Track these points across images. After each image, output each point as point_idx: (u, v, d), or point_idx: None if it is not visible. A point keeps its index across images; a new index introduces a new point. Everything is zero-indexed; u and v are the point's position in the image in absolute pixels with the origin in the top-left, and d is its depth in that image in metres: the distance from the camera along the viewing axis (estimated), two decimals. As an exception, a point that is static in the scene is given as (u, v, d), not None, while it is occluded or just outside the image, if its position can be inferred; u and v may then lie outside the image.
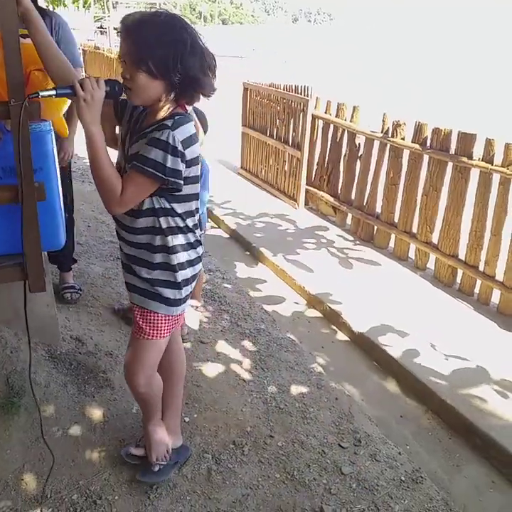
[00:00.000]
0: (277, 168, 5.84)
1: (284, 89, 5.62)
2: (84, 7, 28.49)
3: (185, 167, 1.57)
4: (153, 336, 1.79)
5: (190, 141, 1.57)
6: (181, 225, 1.68)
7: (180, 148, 1.52)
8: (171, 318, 1.80)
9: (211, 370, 2.74)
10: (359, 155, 4.66)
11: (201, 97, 1.62)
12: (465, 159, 3.61)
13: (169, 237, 1.67)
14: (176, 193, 1.61)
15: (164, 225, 1.65)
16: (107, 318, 3.05)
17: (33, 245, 2.07)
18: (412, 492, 2.12)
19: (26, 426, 2.18)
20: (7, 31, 1.80)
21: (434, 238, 3.97)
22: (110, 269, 3.67)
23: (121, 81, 1.59)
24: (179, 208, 1.66)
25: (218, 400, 2.51)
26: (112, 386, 2.45)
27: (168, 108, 1.60)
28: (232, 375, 2.72)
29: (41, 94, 1.55)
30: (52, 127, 2.27)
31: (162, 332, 1.80)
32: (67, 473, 2.03)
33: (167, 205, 1.64)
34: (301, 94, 5.32)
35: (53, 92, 1.56)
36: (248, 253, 4.50)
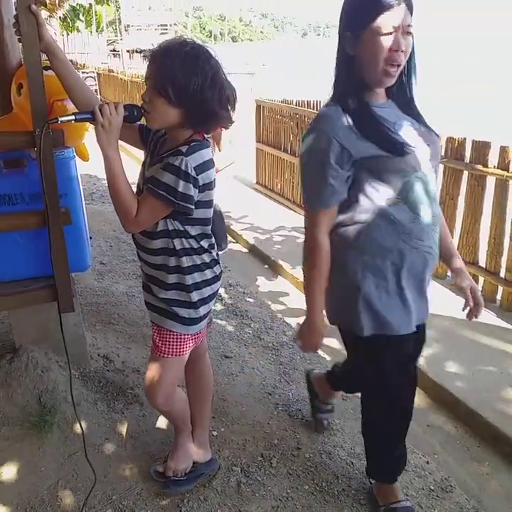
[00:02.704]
0: (293, 182, 5.91)
1: (296, 105, 5.70)
2: (97, 31, 29.18)
3: (198, 192, 1.61)
4: (169, 354, 1.81)
5: (204, 167, 1.60)
6: (195, 246, 1.72)
7: (193, 174, 1.56)
8: (187, 336, 1.81)
9: (236, 384, 2.78)
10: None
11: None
12: (480, 167, 3.62)
13: (183, 258, 1.70)
14: (189, 216, 1.65)
15: (178, 247, 1.69)
16: (132, 335, 3.11)
17: (61, 267, 2.15)
18: (442, 501, 2.12)
19: (59, 443, 2.23)
20: (30, 64, 1.90)
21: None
22: (133, 287, 3.74)
23: (141, 103, 1.65)
24: (193, 230, 1.69)
25: (245, 414, 2.54)
26: (141, 402, 2.50)
27: (186, 134, 1.63)
28: (257, 388, 2.75)
29: (61, 119, 1.60)
30: (75, 154, 2.36)
31: (179, 350, 1.82)
32: (101, 488, 2.08)
33: (180, 228, 1.67)
34: (313, 109, 5.39)
35: (72, 117, 1.61)
36: (267, 267, 4.55)
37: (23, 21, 1.77)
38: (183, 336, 1.80)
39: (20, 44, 1.90)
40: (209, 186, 1.66)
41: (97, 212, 5.44)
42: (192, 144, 1.60)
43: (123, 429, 2.35)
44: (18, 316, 2.48)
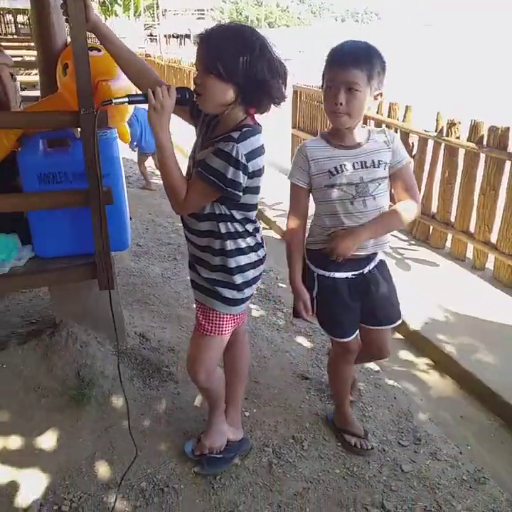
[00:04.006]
0: (328, 169, 5.85)
1: (334, 90, 5.63)
2: (134, 16, 29.34)
3: (248, 178, 1.61)
4: (212, 333, 1.85)
5: (255, 154, 1.60)
6: (240, 230, 1.73)
7: (243, 160, 1.55)
8: (229, 316, 1.85)
9: (269, 367, 2.80)
10: (413, 154, 4.62)
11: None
12: (525, 156, 3.52)
13: (228, 242, 1.72)
14: (229, 201, 1.66)
15: (223, 230, 1.71)
16: (167, 315, 3.16)
17: (102, 246, 2.20)
18: (475, 492, 2.10)
19: (96, 416, 2.30)
20: (77, 45, 1.93)
21: (493, 238, 3.89)
22: (168, 269, 3.79)
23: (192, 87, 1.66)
24: (238, 215, 1.71)
25: (277, 396, 2.56)
26: (176, 380, 2.55)
27: (238, 118, 1.63)
28: (289, 372, 2.77)
29: (114, 101, 1.62)
30: (117, 134, 2.40)
31: (221, 329, 1.85)
32: (136, 462, 2.12)
33: (227, 212, 1.69)
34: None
35: (126, 100, 1.63)
36: (300, 254, 4.54)
37: (71, 3, 1.80)
38: (225, 316, 1.84)
39: (67, 25, 1.93)
40: (258, 173, 1.65)
41: (134, 195, 5.51)
42: (244, 129, 1.59)
43: (158, 405, 2.40)
44: (58, 293, 2.55)
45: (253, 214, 1.77)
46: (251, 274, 1.82)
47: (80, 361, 2.42)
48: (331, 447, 2.28)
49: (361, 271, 2.01)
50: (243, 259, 1.77)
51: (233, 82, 1.55)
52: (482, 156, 3.90)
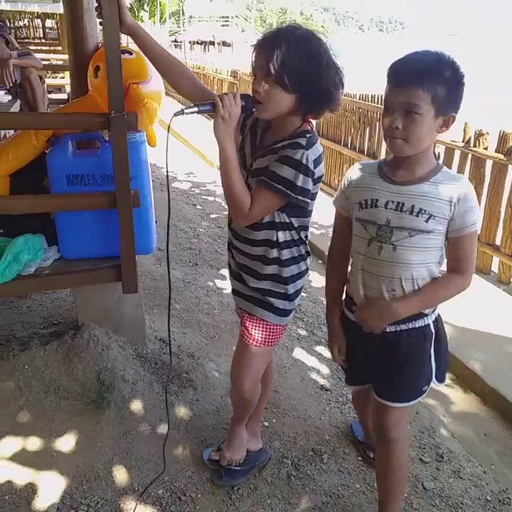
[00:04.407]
0: (351, 178, 5.81)
1: (359, 99, 5.60)
2: (160, 22, 29.68)
3: (312, 185, 1.57)
4: (262, 343, 1.80)
5: (320, 160, 1.57)
6: (296, 237, 1.69)
7: (311, 167, 1.52)
8: (280, 327, 1.81)
9: (289, 377, 2.76)
10: (438, 165, 4.55)
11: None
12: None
13: (285, 251, 1.68)
14: (295, 209, 1.61)
15: (281, 239, 1.66)
16: (187, 321, 3.15)
17: (128, 249, 2.20)
18: (499, 513, 2.04)
19: (115, 420, 2.29)
20: (110, 47, 1.93)
21: (521, 251, 3.82)
22: (189, 274, 3.78)
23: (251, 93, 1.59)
24: (297, 222, 1.66)
25: (297, 407, 2.52)
26: (195, 387, 2.52)
27: (296, 124, 1.59)
28: (309, 383, 2.73)
29: (186, 111, 1.54)
30: (145, 138, 2.40)
31: (271, 340, 1.81)
32: (153, 468, 2.11)
33: (287, 220, 1.64)
34: (377, 104, 5.28)
35: (196, 109, 1.54)
36: (321, 262, 4.50)
37: (105, 5, 1.80)
38: (276, 327, 1.79)
39: (100, 27, 1.94)
40: (320, 179, 1.62)
41: (156, 198, 5.52)
42: (308, 135, 1.55)
43: (177, 411, 2.38)
44: (82, 295, 2.55)
45: (309, 220, 1.72)
46: (300, 283, 1.78)
47: (101, 364, 2.42)
48: (352, 461, 2.23)
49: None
50: (295, 269, 1.73)
51: (298, 93, 1.50)
52: (510, 167, 3.84)
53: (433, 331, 1.66)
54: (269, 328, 1.79)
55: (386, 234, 1.56)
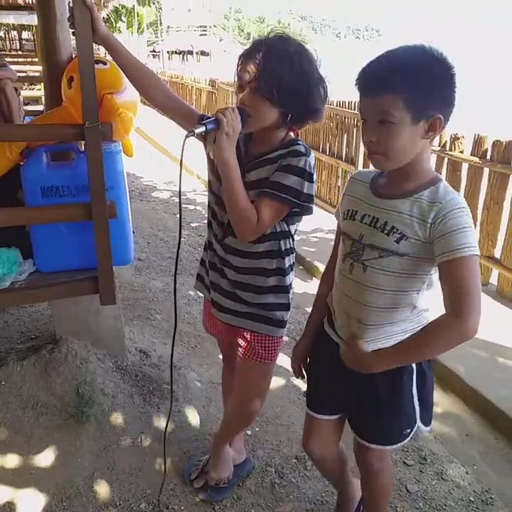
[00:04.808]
0: (330, 184, 5.85)
1: (336, 106, 5.65)
2: (138, 32, 29.66)
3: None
4: (270, 359, 1.75)
5: (314, 165, 1.57)
6: (292, 245, 1.67)
7: (313, 173, 1.52)
8: (280, 339, 1.77)
9: (272, 384, 2.74)
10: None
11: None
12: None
13: (286, 259, 1.65)
14: (297, 216, 1.60)
15: (283, 248, 1.63)
16: (168, 331, 3.12)
17: (104, 260, 2.17)
18: (482, 514, 2.05)
19: (96, 435, 2.25)
20: (83, 57, 1.92)
21: (497, 253, 3.87)
22: (169, 283, 3.76)
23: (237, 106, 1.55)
24: (293, 229, 1.65)
25: (279, 415, 2.52)
26: (176, 398, 2.50)
27: (282, 134, 1.58)
28: (292, 390, 2.72)
29: (196, 131, 1.46)
30: (121, 148, 2.38)
31: (277, 353, 1.77)
32: (135, 482, 2.08)
33: (286, 228, 1.62)
34: (354, 110, 5.33)
35: (203, 128, 1.46)
36: (302, 267, 4.51)
37: (78, 15, 1.79)
38: (279, 339, 1.75)
39: (73, 38, 1.93)
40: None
41: (135, 209, 5.50)
42: (299, 142, 1.55)
43: (158, 423, 2.36)
44: (59, 308, 2.52)
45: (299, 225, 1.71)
46: (292, 291, 1.76)
47: (80, 378, 2.38)
48: (335, 467, 2.23)
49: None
50: (291, 277, 1.71)
51: (285, 107, 1.48)
52: (486, 170, 3.89)
53: (413, 365, 1.46)
54: (275, 342, 1.74)
55: (358, 251, 1.40)
